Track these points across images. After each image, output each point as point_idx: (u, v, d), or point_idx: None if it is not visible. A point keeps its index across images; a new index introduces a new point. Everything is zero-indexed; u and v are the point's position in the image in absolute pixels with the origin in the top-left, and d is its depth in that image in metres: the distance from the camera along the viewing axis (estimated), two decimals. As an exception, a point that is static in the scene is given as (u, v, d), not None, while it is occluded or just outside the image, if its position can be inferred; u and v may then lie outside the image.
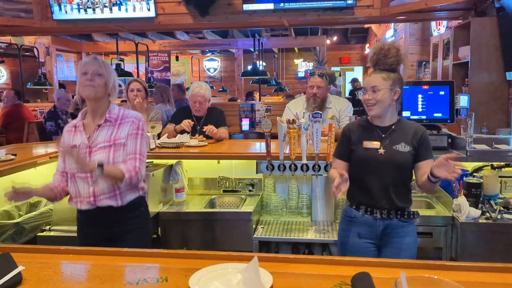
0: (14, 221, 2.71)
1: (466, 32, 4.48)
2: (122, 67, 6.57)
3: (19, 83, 8.74)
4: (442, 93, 3.03)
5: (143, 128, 2.15)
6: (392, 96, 2.06)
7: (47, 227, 2.80)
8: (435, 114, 3.04)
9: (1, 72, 13.48)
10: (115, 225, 2.10)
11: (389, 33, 9.01)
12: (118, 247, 1.88)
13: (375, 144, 2.07)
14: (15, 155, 3.06)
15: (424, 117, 3.06)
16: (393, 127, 2.10)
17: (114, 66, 6.80)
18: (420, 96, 3.07)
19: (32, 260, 1.32)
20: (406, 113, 3.08)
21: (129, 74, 6.56)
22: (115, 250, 1.44)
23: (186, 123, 3.68)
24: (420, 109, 3.07)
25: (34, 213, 2.86)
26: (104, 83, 2.06)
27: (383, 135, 2.09)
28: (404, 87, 3.09)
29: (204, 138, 3.71)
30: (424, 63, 7.31)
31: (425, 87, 3.08)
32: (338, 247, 2.30)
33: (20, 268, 1.19)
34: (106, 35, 10.33)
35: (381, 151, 2.05)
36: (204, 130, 3.72)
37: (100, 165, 1.92)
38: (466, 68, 4.56)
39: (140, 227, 2.19)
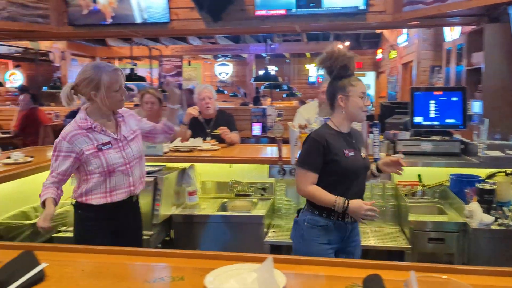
0: (31, 221, 2.77)
1: (479, 37, 4.46)
2: (136, 72, 6.65)
3: (34, 87, 8.90)
4: (454, 99, 3.04)
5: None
6: None
7: (63, 228, 2.86)
8: (447, 120, 3.05)
9: (17, 76, 13.72)
10: (130, 218, 2.31)
11: (401, 38, 9.00)
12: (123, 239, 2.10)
13: (352, 151, 2.10)
14: (33, 157, 3.14)
15: (436, 122, 3.06)
16: (350, 132, 2.17)
17: (127, 71, 6.90)
18: (432, 102, 3.08)
19: (54, 258, 1.37)
20: (418, 119, 3.09)
21: (142, 78, 6.65)
22: (132, 250, 1.48)
23: (192, 109, 3.79)
24: (432, 115, 3.07)
25: (50, 214, 2.92)
26: None
27: (353, 141, 2.14)
28: (415, 92, 3.14)
29: (217, 142, 3.76)
30: (437, 68, 7.28)
31: (438, 92, 3.09)
32: (297, 253, 2.17)
33: (43, 265, 1.24)
34: (120, 40, 10.47)
35: (363, 154, 2.15)
36: (214, 132, 3.82)
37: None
38: (479, 74, 4.53)
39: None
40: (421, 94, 3.11)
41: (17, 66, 13.43)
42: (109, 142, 2.15)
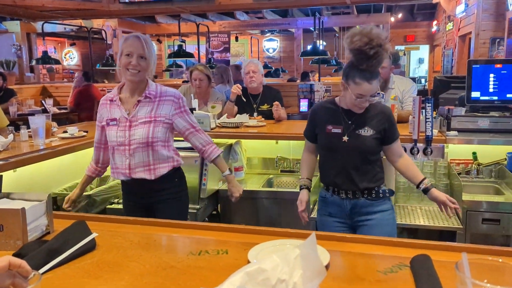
0: (87, 193, 2.89)
1: (548, 5, 4.11)
2: (184, 48, 6.72)
3: (89, 65, 9.21)
4: (517, 72, 2.82)
5: (185, 104, 2.25)
6: None
7: (116, 200, 2.98)
8: (508, 95, 2.85)
9: (73, 54, 14.32)
10: (150, 196, 2.21)
11: (459, 9, 8.46)
12: (154, 217, 1.98)
13: (338, 129, 2.04)
14: (87, 132, 3.27)
15: (495, 97, 2.88)
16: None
17: (176, 48, 6.99)
18: (492, 75, 2.89)
19: (104, 229, 1.43)
20: (475, 94, 2.91)
21: (190, 55, 6.72)
22: (178, 223, 1.52)
23: (235, 87, 3.80)
24: (491, 90, 2.88)
25: (104, 186, 3.06)
26: (147, 66, 2.09)
27: (349, 121, 2.04)
28: (474, 65, 2.95)
29: (263, 119, 3.75)
30: (498, 40, 6.80)
31: (498, 66, 2.89)
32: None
33: (94, 235, 1.29)
34: (168, 16, 10.59)
35: (345, 138, 2.03)
36: (261, 108, 3.83)
37: (230, 169, 2.41)
38: (546, 45, 4.19)
39: (173, 198, 2.27)
40: (479, 67, 2.92)
41: (72, 45, 14.00)
42: (115, 119, 2.14)
